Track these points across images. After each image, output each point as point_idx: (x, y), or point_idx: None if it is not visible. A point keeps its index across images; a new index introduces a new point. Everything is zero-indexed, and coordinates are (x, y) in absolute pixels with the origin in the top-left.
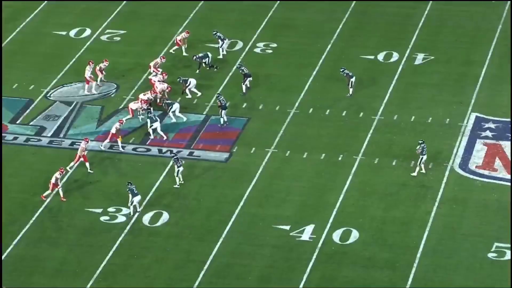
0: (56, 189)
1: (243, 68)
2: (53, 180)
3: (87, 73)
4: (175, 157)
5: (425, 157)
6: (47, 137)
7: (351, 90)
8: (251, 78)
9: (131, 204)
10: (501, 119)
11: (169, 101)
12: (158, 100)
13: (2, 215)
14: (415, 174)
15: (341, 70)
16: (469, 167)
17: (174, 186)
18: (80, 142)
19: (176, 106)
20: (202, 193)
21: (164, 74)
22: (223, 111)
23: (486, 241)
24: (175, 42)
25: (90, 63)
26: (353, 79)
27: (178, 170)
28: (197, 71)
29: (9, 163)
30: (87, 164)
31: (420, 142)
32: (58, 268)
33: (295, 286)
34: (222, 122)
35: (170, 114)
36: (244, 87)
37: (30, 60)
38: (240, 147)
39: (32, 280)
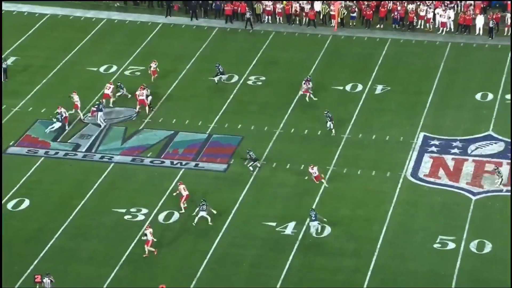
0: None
1: (219, 67)
2: (149, 238)
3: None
4: (203, 203)
5: (503, 178)
6: (81, 152)
7: (328, 125)
8: (224, 76)
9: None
10: (444, 137)
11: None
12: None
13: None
14: (503, 183)
15: (325, 112)
16: (419, 175)
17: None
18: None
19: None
20: (206, 197)
21: (110, 83)
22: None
23: (432, 234)
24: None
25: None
26: (332, 122)
27: (198, 214)
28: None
29: (51, 173)
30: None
31: (495, 168)
32: (90, 257)
33: (280, 271)
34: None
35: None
36: (215, 79)
37: (69, 90)
38: (236, 160)
39: (70, 267)
